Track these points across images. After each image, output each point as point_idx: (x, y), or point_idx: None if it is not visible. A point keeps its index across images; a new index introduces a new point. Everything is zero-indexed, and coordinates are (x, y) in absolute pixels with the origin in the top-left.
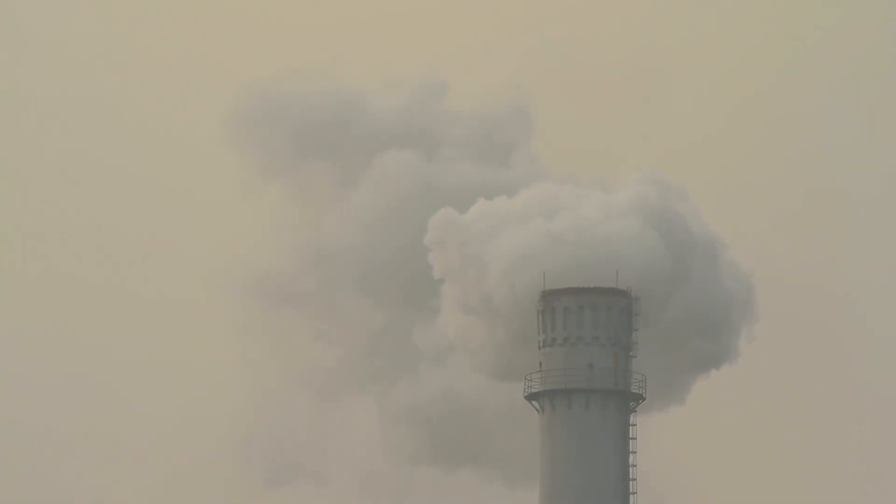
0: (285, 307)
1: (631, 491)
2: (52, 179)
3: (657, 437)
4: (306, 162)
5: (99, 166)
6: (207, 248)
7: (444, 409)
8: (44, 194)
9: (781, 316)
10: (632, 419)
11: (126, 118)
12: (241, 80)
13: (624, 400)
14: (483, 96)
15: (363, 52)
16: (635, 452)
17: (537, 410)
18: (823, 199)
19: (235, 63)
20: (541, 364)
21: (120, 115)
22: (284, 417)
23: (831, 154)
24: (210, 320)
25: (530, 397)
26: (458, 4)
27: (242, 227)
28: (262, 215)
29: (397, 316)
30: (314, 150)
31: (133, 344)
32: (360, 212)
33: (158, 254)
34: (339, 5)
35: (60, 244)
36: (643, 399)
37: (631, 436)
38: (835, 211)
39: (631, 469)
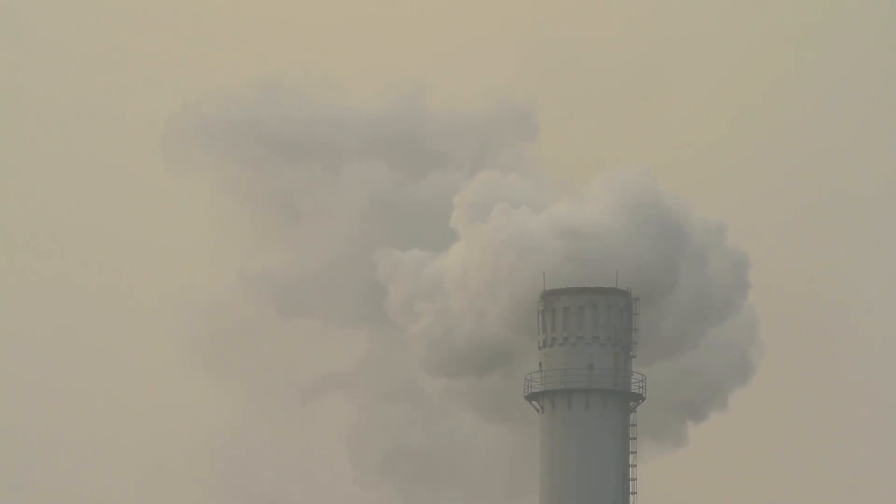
0: (246, 335)
1: (631, 491)
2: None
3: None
4: (275, 176)
5: (55, 181)
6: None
7: (423, 445)
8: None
9: (783, 324)
10: (631, 419)
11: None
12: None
13: (624, 400)
14: (468, 101)
15: (348, 59)
16: (635, 452)
17: (537, 410)
18: (828, 204)
19: (209, 76)
20: (541, 364)
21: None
22: (259, 453)
23: (835, 157)
24: (175, 350)
25: (530, 397)
26: (446, 8)
27: (210, 249)
28: (227, 236)
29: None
30: (284, 162)
31: (87, 374)
32: (332, 231)
33: (111, 280)
34: (330, 8)
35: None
36: (643, 399)
37: (631, 436)
38: (840, 216)
39: (631, 469)
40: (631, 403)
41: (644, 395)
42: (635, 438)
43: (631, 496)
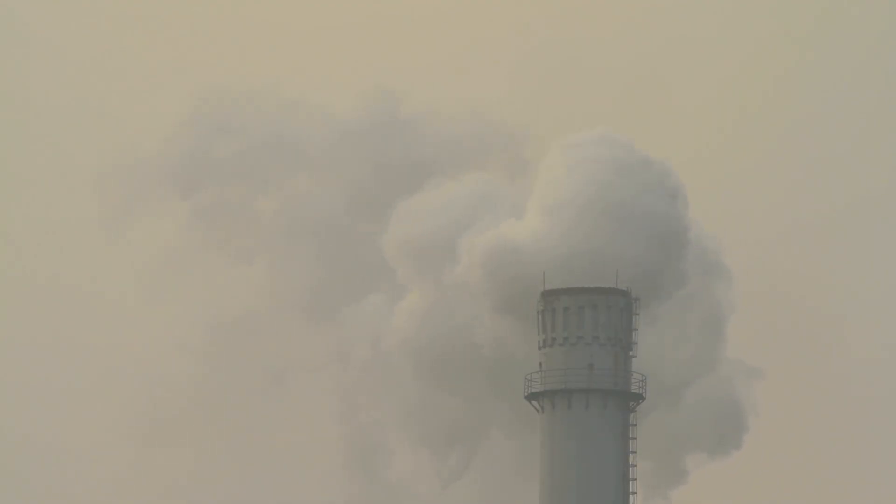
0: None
1: (631, 491)
2: None
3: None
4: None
5: None
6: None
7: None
8: None
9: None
10: (631, 419)
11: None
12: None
13: (624, 400)
14: (458, 110)
15: (328, 68)
16: (635, 452)
17: (537, 410)
18: (829, 207)
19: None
20: (541, 364)
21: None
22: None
23: (836, 161)
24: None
25: (530, 397)
26: (434, 13)
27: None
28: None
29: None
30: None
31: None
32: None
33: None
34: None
35: None
36: (643, 399)
37: (631, 436)
38: (841, 220)
39: (631, 469)
40: (631, 403)
41: (644, 394)
42: (635, 438)
43: (631, 496)
